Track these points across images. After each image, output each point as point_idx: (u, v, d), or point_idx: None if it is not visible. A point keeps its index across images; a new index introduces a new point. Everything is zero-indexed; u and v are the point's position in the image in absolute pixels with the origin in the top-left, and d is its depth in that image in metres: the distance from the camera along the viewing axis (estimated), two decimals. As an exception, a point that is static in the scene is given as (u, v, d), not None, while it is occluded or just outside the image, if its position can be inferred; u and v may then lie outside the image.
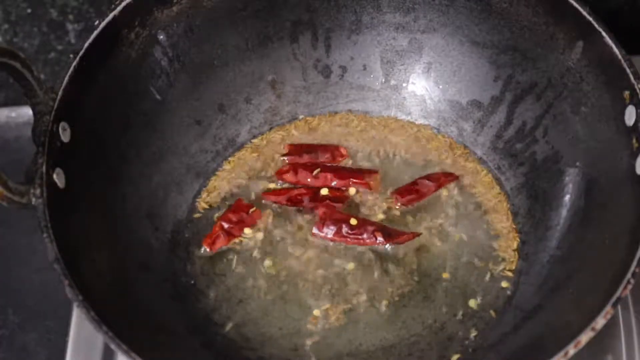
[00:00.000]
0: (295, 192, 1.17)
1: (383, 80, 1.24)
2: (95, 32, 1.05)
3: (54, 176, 0.97)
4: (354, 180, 1.17)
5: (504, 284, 1.09)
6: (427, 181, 1.17)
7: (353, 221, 1.12)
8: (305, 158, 1.20)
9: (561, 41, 1.10)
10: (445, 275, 1.10)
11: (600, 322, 0.89)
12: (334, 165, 1.20)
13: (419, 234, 1.12)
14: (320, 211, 1.14)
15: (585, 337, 0.88)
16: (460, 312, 1.07)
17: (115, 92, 1.09)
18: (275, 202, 1.16)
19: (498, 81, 1.18)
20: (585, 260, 1.02)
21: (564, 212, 1.09)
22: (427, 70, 1.22)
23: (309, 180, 1.17)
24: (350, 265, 1.11)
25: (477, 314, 1.07)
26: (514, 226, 1.13)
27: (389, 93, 1.24)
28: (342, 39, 1.22)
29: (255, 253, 1.12)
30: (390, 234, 1.12)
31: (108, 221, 1.06)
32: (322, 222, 1.13)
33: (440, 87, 1.22)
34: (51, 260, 0.91)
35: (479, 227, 1.14)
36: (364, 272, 1.10)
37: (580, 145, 1.09)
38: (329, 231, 1.12)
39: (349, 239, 1.12)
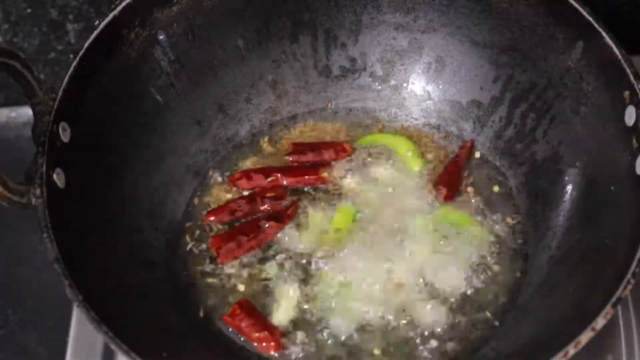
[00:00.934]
0: (234, 205, 1.15)
1: (383, 80, 1.24)
2: (95, 32, 1.05)
3: (54, 176, 0.97)
4: (308, 177, 1.17)
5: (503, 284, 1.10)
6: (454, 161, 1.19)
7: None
8: (310, 156, 1.20)
9: (561, 41, 1.10)
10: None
11: (600, 322, 0.89)
12: (292, 166, 1.19)
13: (297, 203, 1.14)
14: (211, 244, 1.12)
15: (585, 337, 0.88)
16: (461, 313, 1.07)
17: (115, 92, 1.09)
18: (219, 222, 1.15)
19: (498, 81, 1.18)
20: (585, 260, 1.02)
21: (564, 212, 1.10)
22: (427, 70, 1.23)
23: (263, 184, 1.17)
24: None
25: (478, 314, 1.07)
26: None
27: (389, 93, 1.24)
28: (342, 39, 1.22)
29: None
30: (280, 216, 1.13)
31: (108, 221, 1.05)
32: (218, 252, 1.11)
33: (441, 87, 1.22)
34: (51, 260, 0.91)
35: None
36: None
37: (580, 146, 1.09)
38: (232, 251, 1.11)
39: (253, 243, 1.12)
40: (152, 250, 1.10)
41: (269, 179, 1.18)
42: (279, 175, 1.18)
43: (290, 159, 1.20)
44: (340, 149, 1.20)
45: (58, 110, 0.99)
